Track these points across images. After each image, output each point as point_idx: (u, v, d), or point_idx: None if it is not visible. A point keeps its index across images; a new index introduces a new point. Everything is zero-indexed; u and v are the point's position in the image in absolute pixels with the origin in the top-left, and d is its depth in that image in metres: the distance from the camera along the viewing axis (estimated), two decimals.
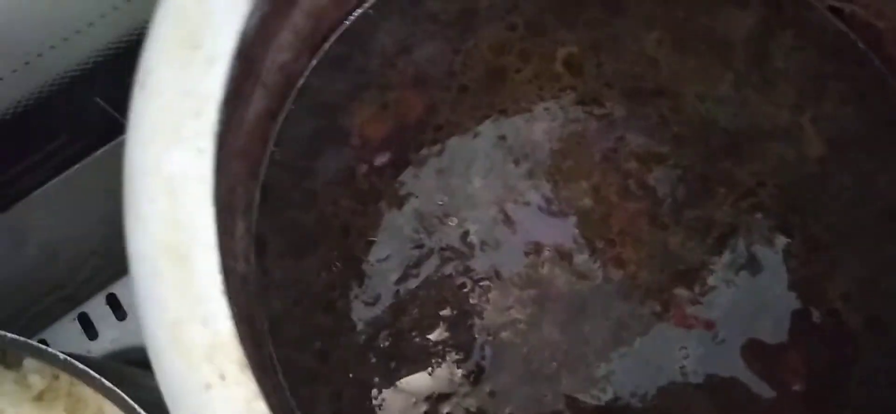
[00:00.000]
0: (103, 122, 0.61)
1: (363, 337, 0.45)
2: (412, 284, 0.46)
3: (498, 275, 0.46)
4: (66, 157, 0.61)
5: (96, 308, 0.68)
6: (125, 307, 0.68)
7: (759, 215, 0.47)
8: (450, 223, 0.47)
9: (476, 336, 0.45)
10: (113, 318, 0.68)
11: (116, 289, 0.68)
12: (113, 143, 0.62)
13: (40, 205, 0.62)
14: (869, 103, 0.50)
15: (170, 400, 0.32)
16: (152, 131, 0.33)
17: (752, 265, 0.46)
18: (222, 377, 0.32)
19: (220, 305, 0.31)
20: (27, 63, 0.52)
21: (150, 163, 0.32)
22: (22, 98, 0.54)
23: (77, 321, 0.68)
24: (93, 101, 0.59)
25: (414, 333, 0.45)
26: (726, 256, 0.46)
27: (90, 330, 0.68)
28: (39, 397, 0.54)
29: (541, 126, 0.49)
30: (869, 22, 0.50)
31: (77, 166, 0.62)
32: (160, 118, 0.33)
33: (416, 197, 0.47)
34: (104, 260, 0.70)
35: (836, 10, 0.51)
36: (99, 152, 0.62)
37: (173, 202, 0.32)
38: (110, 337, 0.68)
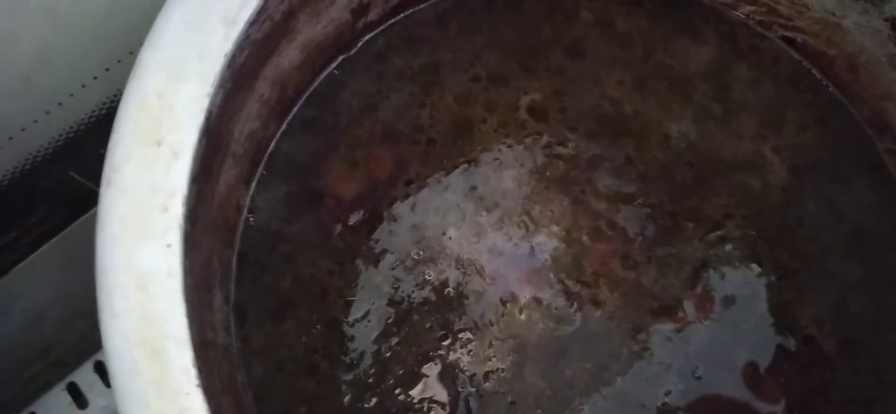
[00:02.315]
0: (78, 193, 0.58)
1: (348, 398, 0.42)
2: (393, 341, 0.43)
3: (477, 326, 0.44)
4: (45, 229, 0.59)
5: (84, 376, 0.66)
6: None
7: (728, 247, 0.46)
8: (426, 277, 0.45)
9: (459, 389, 0.43)
10: (101, 385, 0.65)
11: (103, 356, 0.66)
12: (90, 212, 0.60)
13: (24, 277, 0.60)
14: (827, 129, 0.48)
15: None
16: (121, 228, 0.31)
17: (725, 298, 0.44)
18: None
19: (197, 399, 0.29)
20: None
21: (120, 260, 0.31)
22: None
23: (66, 391, 0.65)
24: (67, 174, 0.56)
25: (398, 391, 0.42)
26: (700, 290, 0.45)
27: (80, 399, 0.65)
28: None
29: (510, 174, 0.47)
30: (820, 50, 0.49)
31: (56, 238, 0.60)
32: (128, 215, 0.31)
33: (392, 253, 0.45)
34: (90, 322, 0.67)
35: (788, 40, 0.50)
36: (77, 222, 0.60)
37: (145, 298, 0.30)
38: (100, 404, 0.65)
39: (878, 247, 0.46)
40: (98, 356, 0.66)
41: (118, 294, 0.30)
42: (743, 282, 0.45)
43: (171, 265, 0.30)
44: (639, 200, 0.46)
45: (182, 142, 0.33)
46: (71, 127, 0.53)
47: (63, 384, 0.66)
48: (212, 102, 0.34)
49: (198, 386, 0.29)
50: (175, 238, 0.31)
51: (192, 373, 0.29)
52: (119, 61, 0.51)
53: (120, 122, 0.33)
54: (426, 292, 0.44)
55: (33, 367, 0.67)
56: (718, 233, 0.46)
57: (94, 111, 0.53)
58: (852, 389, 0.43)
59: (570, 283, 0.45)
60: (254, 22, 0.38)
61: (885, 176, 0.47)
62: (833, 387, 0.43)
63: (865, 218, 0.46)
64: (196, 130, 0.33)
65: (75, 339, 0.68)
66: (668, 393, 0.43)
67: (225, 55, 0.35)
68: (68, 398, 0.66)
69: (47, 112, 0.50)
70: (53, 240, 0.60)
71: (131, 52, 0.51)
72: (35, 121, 0.50)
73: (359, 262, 0.45)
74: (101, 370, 0.66)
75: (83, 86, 0.51)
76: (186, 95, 0.33)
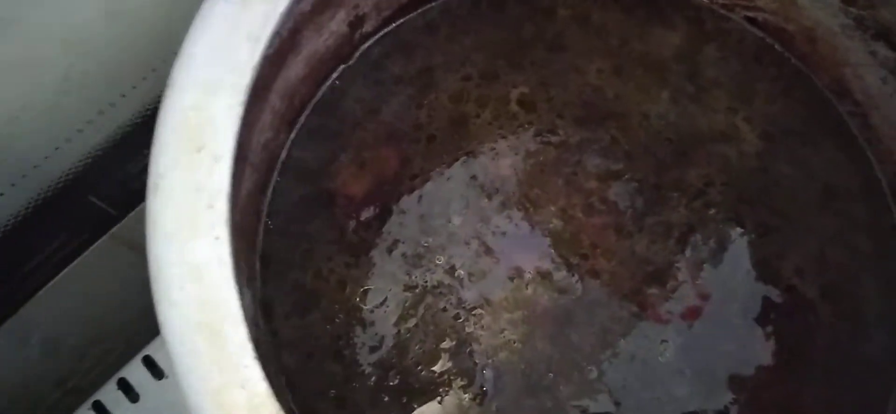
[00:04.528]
0: (97, 217, 0.59)
1: (373, 379, 0.44)
2: (411, 322, 0.45)
3: (488, 302, 0.46)
4: (64, 255, 0.60)
5: (109, 394, 0.66)
6: (136, 389, 0.66)
7: (712, 211, 0.48)
8: (437, 262, 0.46)
9: (476, 361, 0.44)
10: (126, 401, 0.66)
11: (126, 373, 0.66)
12: (107, 235, 0.61)
13: (43, 304, 0.60)
14: (793, 97, 0.50)
15: None
16: (172, 228, 0.33)
17: (713, 257, 0.47)
18: None
19: (255, 370, 0.31)
20: (24, 175, 0.51)
21: (174, 255, 0.32)
22: (22, 208, 0.53)
23: (92, 410, 0.66)
24: (86, 199, 0.57)
25: (419, 368, 0.44)
26: (689, 253, 0.47)
27: None
28: None
29: (506, 162, 0.49)
30: (780, 26, 0.51)
31: (75, 262, 0.60)
32: (177, 215, 0.33)
33: (403, 242, 0.47)
34: (106, 348, 0.68)
35: (751, 20, 0.52)
36: (95, 246, 0.61)
37: (200, 286, 0.32)
38: None
39: (848, 200, 0.48)
40: (121, 373, 0.67)
41: (174, 285, 0.32)
42: (728, 242, 0.47)
43: (221, 255, 0.32)
44: (626, 176, 0.48)
45: (222, 146, 0.34)
46: (89, 153, 0.54)
47: (88, 403, 0.67)
48: (243, 112, 0.35)
49: (255, 358, 0.31)
50: (223, 231, 0.32)
51: (249, 347, 0.31)
52: (134, 87, 0.52)
53: (161, 133, 0.35)
54: (438, 276, 0.46)
55: (51, 397, 0.67)
56: (701, 199, 0.48)
57: (110, 137, 0.54)
58: (836, 331, 0.45)
59: (569, 255, 0.46)
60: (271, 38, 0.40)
61: (849, 136, 0.50)
62: (818, 330, 0.45)
63: (834, 175, 0.49)
64: (233, 136, 0.35)
65: (91, 366, 0.68)
66: (666, 348, 0.45)
67: (253, 68, 0.36)
68: None
69: (68, 139, 0.52)
70: (72, 265, 0.60)
71: (145, 79, 0.52)
72: (57, 148, 0.51)
73: (373, 253, 0.47)
74: (126, 387, 0.67)
75: (100, 112, 0.52)
76: (222, 105, 0.35)
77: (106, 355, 0.69)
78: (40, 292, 0.60)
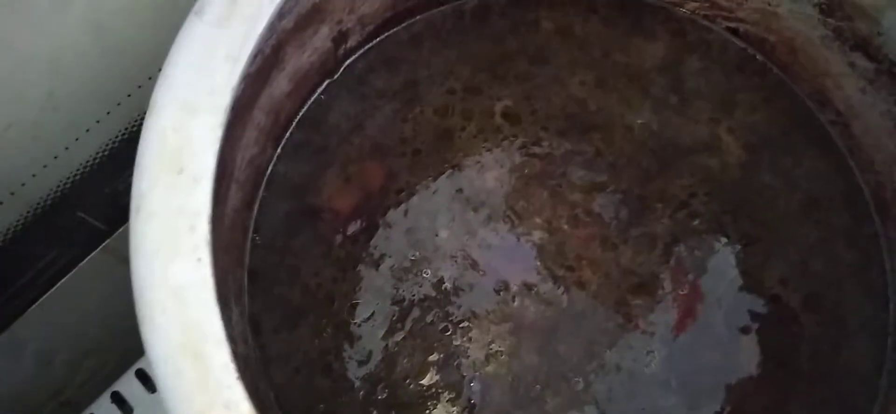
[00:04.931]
0: (87, 233, 0.59)
1: (362, 393, 0.43)
2: (399, 336, 0.44)
3: (475, 315, 0.45)
4: (56, 271, 0.59)
5: (102, 408, 0.66)
6: (130, 402, 0.65)
7: (695, 222, 0.47)
8: (424, 275, 0.46)
9: (464, 374, 0.44)
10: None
11: (119, 386, 0.66)
12: (98, 249, 0.60)
13: (36, 319, 0.59)
14: (775, 107, 0.50)
15: None
16: (154, 250, 0.32)
17: (697, 268, 0.46)
18: None
19: (238, 391, 0.30)
20: (12, 193, 0.50)
21: (156, 277, 0.32)
22: (12, 225, 0.52)
23: None
24: (75, 215, 0.57)
25: (408, 381, 0.43)
26: (674, 264, 0.46)
27: None
28: None
29: (491, 174, 0.48)
30: (761, 37, 0.51)
31: (67, 278, 0.60)
32: (159, 237, 0.32)
33: (390, 256, 0.46)
34: (99, 361, 0.67)
35: (732, 30, 0.52)
36: (86, 261, 0.60)
37: (183, 308, 0.31)
38: None
39: (830, 210, 0.48)
40: (115, 387, 0.66)
41: (157, 308, 0.31)
42: (712, 252, 0.46)
43: (203, 277, 0.31)
44: (610, 188, 0.48)
45: (201, 168, 0.34)
46: (77, 170, 0.53)
47: None
48: (223, 132, 0.35)
49: (238, 379, 0.30)
50: (204, 253, 0.32)
51: (232, 367, 0.30)
52: (119, 104, 0.52)
53: (142, 155, 0.34)
54: (425, 289, 0.45)
55: (45, 410, 0.66)
56: (685, 210, 0.47)
57: (97, 153, 0.53)
58: (820, 340, 0.45)
59: (555, 268, 0.46)
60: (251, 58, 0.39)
61: (830, 145, 0.49)
62: (802, 339, 0.45)
63: (816, 185, 0.48)
64: (213, 157, 0.34)
65: (85, 379, 0.67)
66: (652, 359, 0.44)
67: (232, 88, 0.36)
68: None
69: (56, 157, 0.51)
70: (63, 280, 0.60)
71: (130, 95, 0.52)
72: (45, 166, 0.51)
73: (360, 267, 0.46)
74: (119, 400, 0.66)
75: (87, 130, 0.51)
76: (202, 127, 0.34)
77: (99, 369, 0.68)
78: (33, 307, 0.59)
